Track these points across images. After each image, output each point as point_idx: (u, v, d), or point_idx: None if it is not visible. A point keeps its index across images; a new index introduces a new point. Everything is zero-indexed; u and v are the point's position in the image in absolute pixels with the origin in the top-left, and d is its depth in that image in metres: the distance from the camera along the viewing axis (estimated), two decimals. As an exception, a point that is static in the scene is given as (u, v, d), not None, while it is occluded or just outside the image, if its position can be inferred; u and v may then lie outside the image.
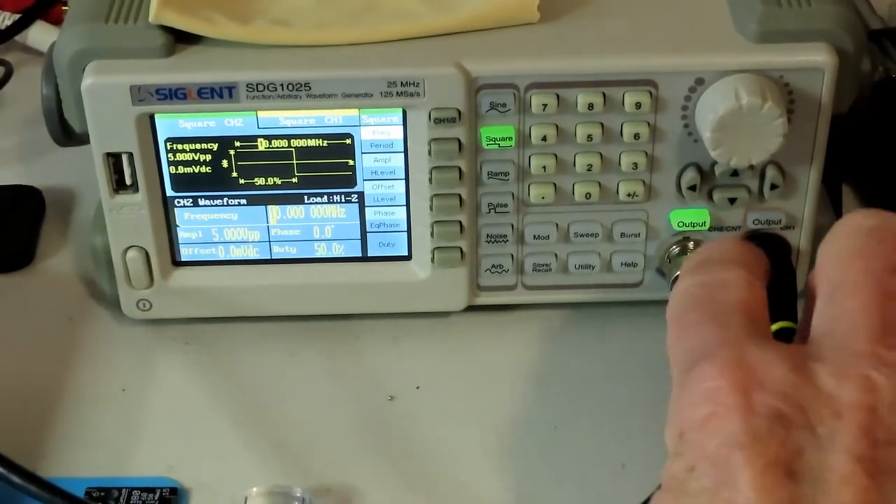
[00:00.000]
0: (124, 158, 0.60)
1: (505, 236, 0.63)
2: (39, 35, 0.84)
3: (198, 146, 0.61)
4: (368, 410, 0.62)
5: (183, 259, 0.64)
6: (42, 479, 0.51)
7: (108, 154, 0.60)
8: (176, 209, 0.63)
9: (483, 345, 0.65)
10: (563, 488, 0.58)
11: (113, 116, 0.59)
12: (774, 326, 0.58)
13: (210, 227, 0.63)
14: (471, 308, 0.65)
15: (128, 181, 0.61)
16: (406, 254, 0.64)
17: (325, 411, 0.62)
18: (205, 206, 0.63)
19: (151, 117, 0.60)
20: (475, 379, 0.63)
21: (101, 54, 0.59)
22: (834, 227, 0.47)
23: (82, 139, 0.62)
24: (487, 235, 0.63)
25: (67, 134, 0.62)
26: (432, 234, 0.63)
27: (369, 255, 0.64)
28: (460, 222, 0.62)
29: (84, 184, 0.73)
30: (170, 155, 0.61)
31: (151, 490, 0.57)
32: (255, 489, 0.56)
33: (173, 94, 0.59)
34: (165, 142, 0.61)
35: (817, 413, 0.40)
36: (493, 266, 0.64)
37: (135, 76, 0.58)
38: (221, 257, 0.64)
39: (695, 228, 0.63)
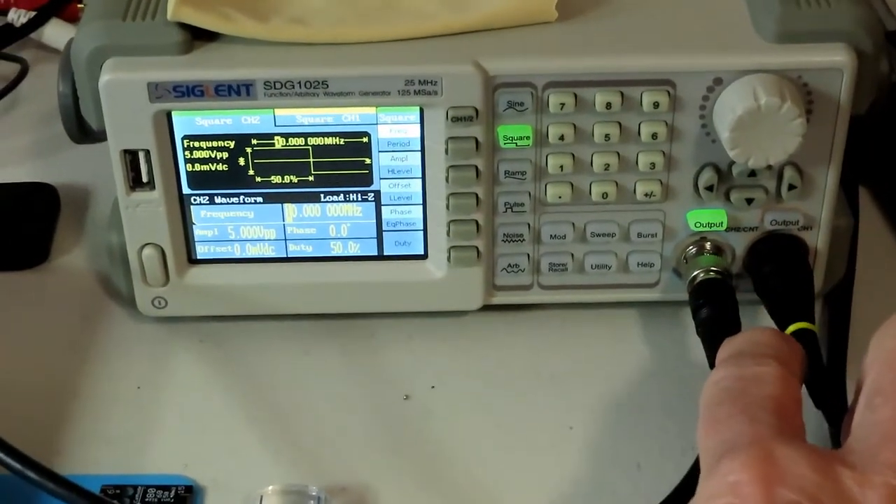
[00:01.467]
0: (141, 156, 0.60)
1: (521, 236, 0.63)
2: (54, 33, 0.85)
3: (214, 144, 0.61)
4: (383, 409, 0.62)
5: (198, 257, 0.64)
6: (58, 475, 0.51)
7: (125, 151, 0.60)
8: (192, 207, 0.63)
9: (498, 344, 0.65)
10: (579, 488, 0.58)
11: (130, 113, 0.59)
12: (793, 327, 0.59)
13: (226, 224, 0.63)
14: (486, 307, 0.65)
15: (144, 178, 0.61)
16: (422, 253, 0.64)
17: (340, 410, 0.62)
18: (221, 203, 0.63)
19: (168, 114, 0.60)
20: (490, 378, 0.63)
21: (118, 51, 0.59)
22: (888, 321, 0.47)
23: (98, 136, 0.62)
24: (504, 235, 0.63)
25: (83, 131, 0.62)
26: (448, 233, 0.62)
27: (385, 253, 0.64)
28: (477, 221, 0.62)
29: (99, 181, 0.73)
30: (186, 152, 0.61)
31: (167, 488, 0.57)
32: (270, 487, 0.56)
33: (191, 92, 0.58)
34: (182, 139, 0.61)
35: None
36: (510, 265, 0.64)
37: (152, 73, 0.58)
38: (237, 255, 0.64)
39: (712, 229, 0.62)
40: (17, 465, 0.51)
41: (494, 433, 0.61)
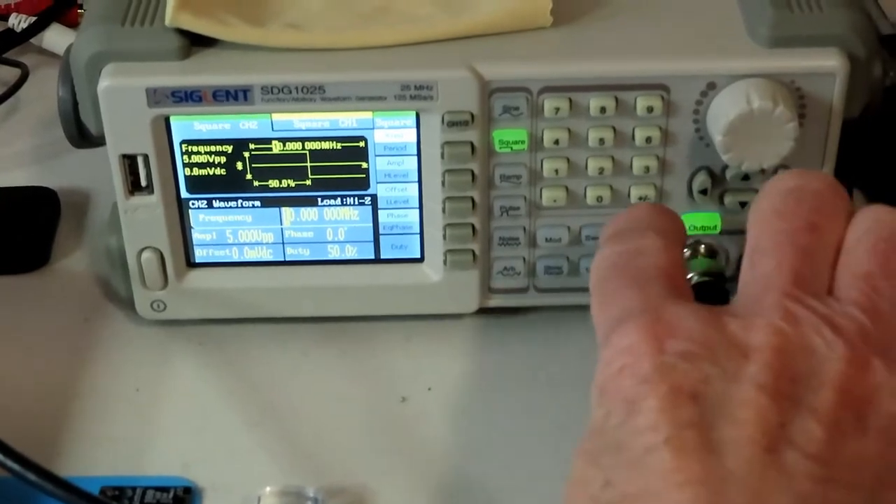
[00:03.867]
0: (140, 160, 0.61)
1: (517, 239, 0.63)
2: (55, 38, 0.85)
3: (213, 148, 0.61)
4: (381, 411, 0.62)
5: (197, 260, 0.65)
6: (58, 476, 0.52)
7: (124, 156, 0.61)
8: (191, 211, 0.63)
9: (495, 347, 0.65)
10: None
11: (129, 118, 0.60)
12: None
13: (224, 228, 0.64)
14: (483, 310, 0.66)
15: (143, 182, 0.62)
16: (419, 256, 0.65)
17: (337, 412, 0.62)
18: (219, 207, 0.63)
19: (167, 119, 0.60)
20: (487, 380, 0.64)
21: (117, 57, 0.59)
22: (761, 188, 0.49)
23: (98, 141, 0.62)
24: (499, 238, 0.63)
25: (83, 136, 0.63)
26: (445, 236, 0.63)
27: (382, 257, 0.65)
28: (472, 225, 0.63)
29: (99, 185, 0.74)
30: (185, 157, 0.62)
31: (165, 489, 0.58)
32: (268, 489, 0.56)
33: (189, 97, 0.59)
34: (181, 144, 0.61)
35: (725, 353, 0.42)
36: (505, 268, 0.64)
37: (151, 79, 0.59)
38: (235, 259, 0.65)
39: (706, 232, 0.63)
40: (17, 467, 0.51)
41: (491, 435, 0.61)
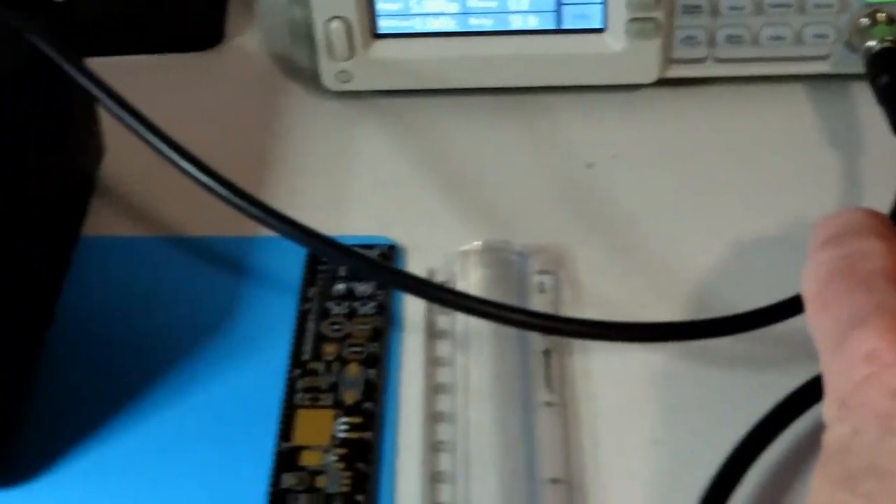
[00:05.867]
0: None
1: (700, 7, 0.64)
2: None
3: (401, -85, 0.62)
4: (569, 177, 0.63)
5: (381, 31, 0.65)
6: (276, 211, 0.53)
7: (314, -77, 0.61)
8: (376, -20, 0.64)
9: (676, 117, 0.66)
10: (757, 246, 0.60)
11: None
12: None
13: (409, -2, 0.64)
14: (658, 82, 0.66)
15: (332, -50, 0.62)
16: (601, 26, 0.65)
17: (526, 178, 0.63)
18: (405, -23, 0.64)
19: None
20: (668, 148, 0.64)
21: None
22: None
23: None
24: (683, 6, 0.64)
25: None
26: (628, 4, 0.63)
27: (563, 27, 0.65)
28: (657, -7, 0.63)
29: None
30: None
31: (370, 247, 0.59)
32: (474, 242, 0.57)
33: None
34: (369, -89, 0.61)
35: None
36: (687, 37, 0.65)
37: None
38: (418, 30, 0.65)
39: (886, 0, 0.63)
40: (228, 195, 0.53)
41: (677, 198, 0.62)
